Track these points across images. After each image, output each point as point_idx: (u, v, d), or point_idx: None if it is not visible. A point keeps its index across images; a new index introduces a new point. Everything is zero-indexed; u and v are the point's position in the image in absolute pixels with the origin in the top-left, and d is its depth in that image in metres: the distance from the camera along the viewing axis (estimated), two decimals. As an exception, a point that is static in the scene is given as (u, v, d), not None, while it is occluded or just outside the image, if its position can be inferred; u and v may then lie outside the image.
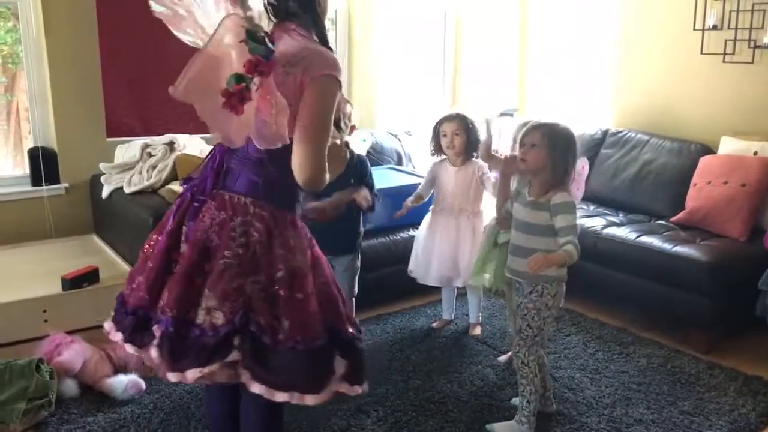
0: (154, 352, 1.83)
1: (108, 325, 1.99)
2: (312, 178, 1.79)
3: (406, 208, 3.35)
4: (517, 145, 2.87)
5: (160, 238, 1.95)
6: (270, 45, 1.73)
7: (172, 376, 1.82)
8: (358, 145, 4.04)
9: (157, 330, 1.84)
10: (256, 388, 1.81)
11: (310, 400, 1.84)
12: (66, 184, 3.84)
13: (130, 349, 1.91)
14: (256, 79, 1.69)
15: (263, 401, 1.88)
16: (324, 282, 1.96)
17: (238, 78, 1.68)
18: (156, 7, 1.82)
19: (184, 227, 1.91)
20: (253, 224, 1.84)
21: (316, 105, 1.78)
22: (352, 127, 2.92)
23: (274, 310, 1.83)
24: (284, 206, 1.92)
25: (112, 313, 2.02)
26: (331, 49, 1.90)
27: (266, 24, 1.89)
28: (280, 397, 1.82)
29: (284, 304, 1.83)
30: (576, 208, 2.45)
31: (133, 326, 1.89)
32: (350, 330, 1.98)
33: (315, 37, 1.89)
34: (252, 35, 1.71)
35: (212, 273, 1.82)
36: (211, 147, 2.05)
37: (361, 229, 3.08)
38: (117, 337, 1.93)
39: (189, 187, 1.96)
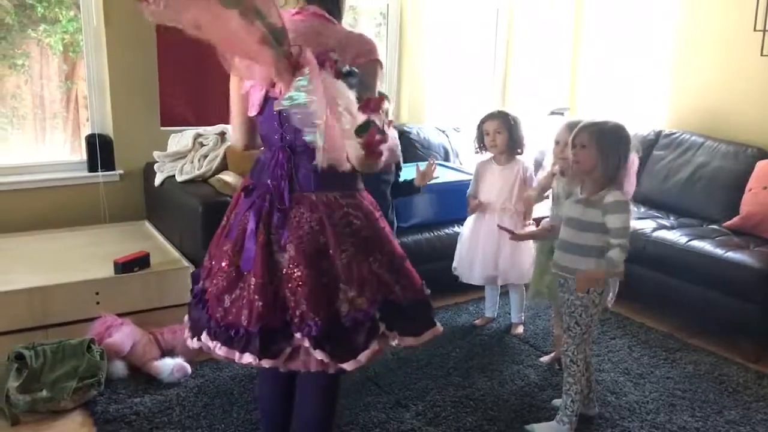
0: (319, 355, 1.86)
1: (224, 351, 1.91)
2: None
3: (474, 207, 3.41)
4: (558, 146, 2.88)
5: (249, 249, 1.92)
6: (354, 70, 1.78)
7: (349, 365, 1.88)
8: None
9: (302, 338, 1.86)
10: (406, 341, 1.99)
11: (439, 328, 2.11)
12: (121, 171, 3.94)
13: (266, 364, 1.88)
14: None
15: (324, 388, 2.04)
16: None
17: (365, 126, 1.68)
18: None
19: (272, 236, 1.91)
20: (351, 214, 1.93)
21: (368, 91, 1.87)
22: (390, 122, 2.95)
23: (398, 277, 1.99)
24: (359, 187, 2.01)
25: (213, 340, 1.94)
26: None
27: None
28: (426, 337, 2.05)
29: (402, 269, 2.02)
30: (629, 208, 2.43)
31: (262, 343, 1.87)
32: None
33: (335, 19, 1.97)
34: (347, 73, 1.75)
35: (337, 269, 1.89)
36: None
37: (393, 217, 3.04)
38: (248, 359, 1.88)
39: (260, 196, 1.95)
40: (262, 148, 2.07)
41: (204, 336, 1.98)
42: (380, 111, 1.72)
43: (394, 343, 1.97)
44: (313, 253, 1.88)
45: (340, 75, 1.71)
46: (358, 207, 1.96)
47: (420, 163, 3.19)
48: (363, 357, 1.89)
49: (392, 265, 1.99)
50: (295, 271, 1.88)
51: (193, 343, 2.05)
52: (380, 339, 1.94)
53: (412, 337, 2.01)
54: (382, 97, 1.79)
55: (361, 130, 1.68)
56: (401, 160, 3.02)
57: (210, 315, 1.97)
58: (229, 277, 1.95)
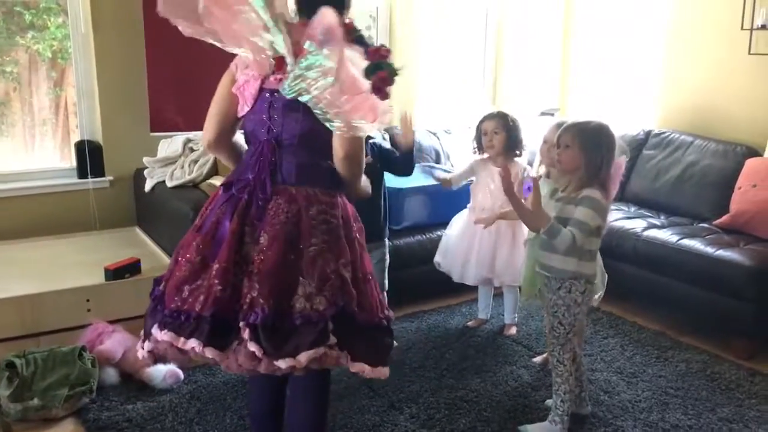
0: (251, 346, 1.76)
1: (169, 336, 1.80)
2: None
3: (439, 178, 3.47)
4: (546, 146, 2.91)
5: (220, 237, 1.88)
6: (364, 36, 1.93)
7: (283, 363, 1.76)
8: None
9: (245, 327, 1.78)
10: (356, 367, 1.88)
11: (386, 372, 1.94)
12: (111, 177, 3.93)
13: (209, 353, 1.77)
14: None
15: (315, 392, 2.01)
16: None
17: (375, 66, 1.78)
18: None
19: (246, 228, 1.89)
20: (328, 212, 1.91)
21: None
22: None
23: (361, 290, 1.93)
24: (341, 188, 2.00)
25: (162, 329, 1.83)
26: None
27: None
28: (379, 372, 1.91)
29: (366, 285, 1.96)
30: (601, 209, 2.40)
31: (212, 330, 1.78)
32: None
33: None
34: (359, 39, 1.88)
35: (302, 262, 1.84)
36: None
37: (386, 216, 3.03)
38: (191, 344, 1.77)
39: (239, 189, 1.94)
40: (245, 149, 2.08)
41: (154, 329, 1.86)
42: (389, 58, 1.82)
43: (344, 363, 1.87)
44: (285, 240, 1.85)
45: (352, 39, 1.81)
46: (338, 208, 1.95)
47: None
48: (303, 357, 1.77)
49: (357, 278, 1.92)
50: (261, 256, 1.84)
51: (143, 349, 1.91)
52: (328, 349, 1.82)
53: (368, 364, 1.88)
54: (388, 48, 1.88)
55: (371, 71, 1.75)
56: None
57: (165, 307, 1.86)
58: (194, 267, 1.88)
